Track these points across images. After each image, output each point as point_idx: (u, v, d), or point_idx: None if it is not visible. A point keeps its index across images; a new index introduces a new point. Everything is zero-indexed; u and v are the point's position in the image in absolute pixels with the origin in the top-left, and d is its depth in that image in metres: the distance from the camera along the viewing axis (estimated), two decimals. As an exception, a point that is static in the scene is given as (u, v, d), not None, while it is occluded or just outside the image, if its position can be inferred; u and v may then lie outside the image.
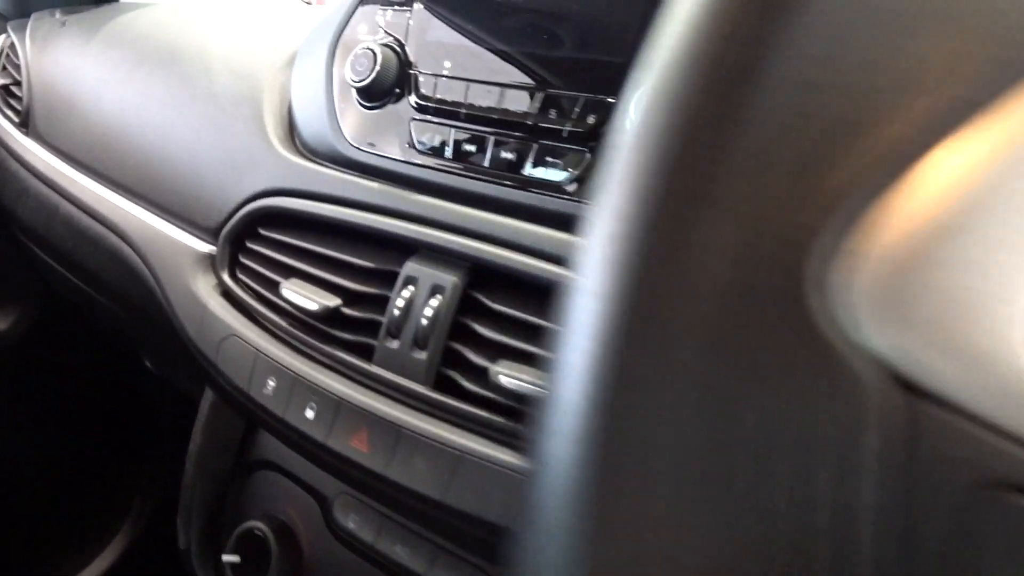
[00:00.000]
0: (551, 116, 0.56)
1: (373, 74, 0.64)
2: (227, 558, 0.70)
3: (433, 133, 0.62)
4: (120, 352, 1.36)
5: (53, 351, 1.37)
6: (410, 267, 0.59)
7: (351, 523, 0.67)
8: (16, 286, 1.31)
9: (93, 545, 1.42)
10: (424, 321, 0.57)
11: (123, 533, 1.44)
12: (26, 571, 1.35)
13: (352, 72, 0.65)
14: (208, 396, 0.76)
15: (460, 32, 0.62)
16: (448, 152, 0.61)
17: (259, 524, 0.70)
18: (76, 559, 1.40)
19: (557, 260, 0.54)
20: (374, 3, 0.69)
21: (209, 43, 0.90)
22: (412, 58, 0.64)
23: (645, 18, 0.54)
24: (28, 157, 1.02)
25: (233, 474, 0.76)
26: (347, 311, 0.62)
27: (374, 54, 0.64)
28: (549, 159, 0.56)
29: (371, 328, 0.61)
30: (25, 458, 1.37)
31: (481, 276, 0.58)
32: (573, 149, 0.55)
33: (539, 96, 0.57)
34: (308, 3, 1.48)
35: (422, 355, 0.57)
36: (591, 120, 0.54)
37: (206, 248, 0.75)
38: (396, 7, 0.67)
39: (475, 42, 0.61)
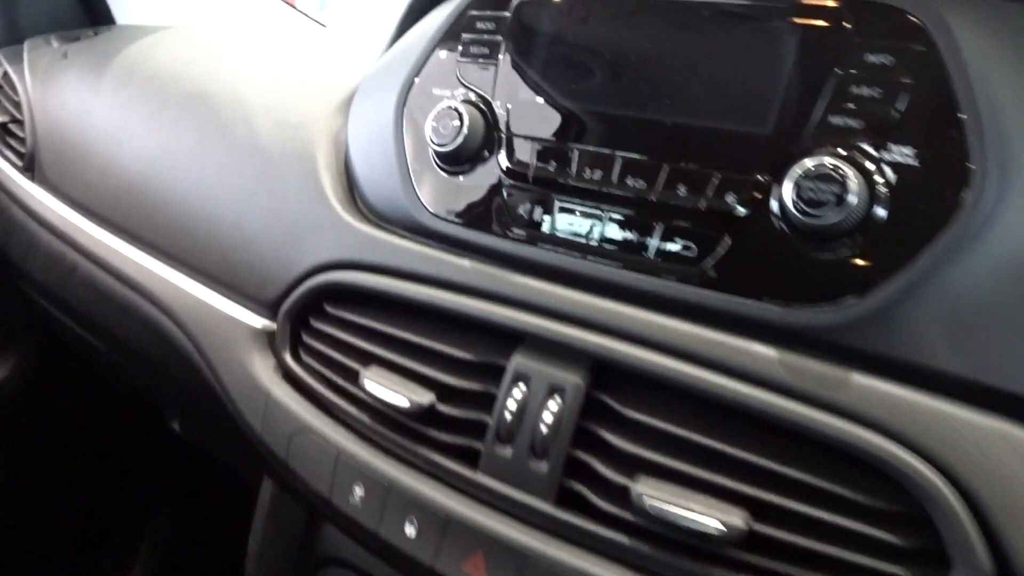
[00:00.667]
0: (680, 192, 0.50)
1: (461, 138, 0.57)
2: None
3: (533, 204, 0.55)
4: (128, 405, 1.28)
5: (56, 400, 1.29)
6: (519, 362, 0.53)
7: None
8: (14, 332, 1.23)
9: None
10: (543, 426, 0.51)
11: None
12: None
13: (435, 135, 0.58)
14: (268, 487, 0.69)
15: (555, 90, 0.56)
16: (552, 227, 0.54)
17: (335, 631, 0.64)
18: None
19: (694, 359, 0.48)
20: (450, 50, 0.62)
21: (241, 82, 0.82)
22: (501, 117, 0.58)
23: (790, 84, 0.47)
24: (37, 207, 0.94)
25: (297, 571, 0.70)
26: (444, 409, 0.55)
27: (459, 115, 0.57)
28: (679, 241, 0.50)
29: (473, 429, 0.54)
30: (24, 512, 1.29)
31: (605, 375, 0.51)
32: (708, 232, 0.48)
33: (665, 169, 0.50)
34: (323, 25, 1.40)
35: (542, 465, 0.51)
36: (730, 199, 0.48)
37: (261, 323, 0.68)
38: (479, 59, 0.60)
39: (575, 101, 0.55)
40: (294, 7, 1.61)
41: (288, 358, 0.65)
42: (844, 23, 0.46)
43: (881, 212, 0.44)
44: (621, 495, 0.48)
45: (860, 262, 0.44)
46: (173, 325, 0.74)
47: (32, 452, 1.30)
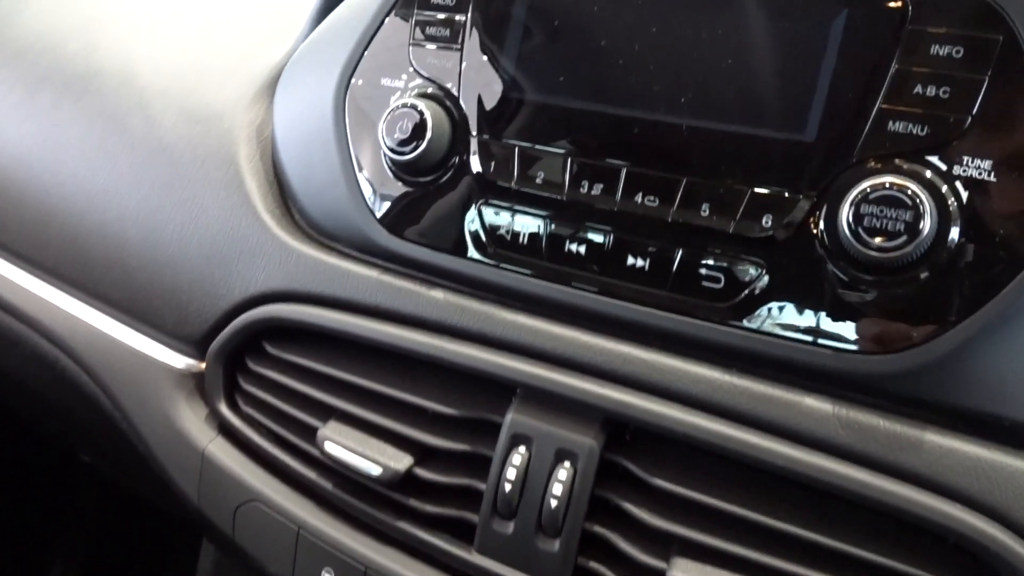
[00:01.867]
0: (703, 212, 0.41)
1: (424, 143, 0.46)
2: None
3: (516, 222, 0.46)
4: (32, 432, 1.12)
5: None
6: (517, 420, 0.44)
7: None
8: None
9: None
10: (552, 499, 0.42)
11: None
12: None
13: (390, 140, 0.47)
14: (209, 552, 0.59)
15: (539, 82, 0.46)
16: (544, 252, 0.45)
17: None
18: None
19: (729, 415, 0.41)
20: (399, 27, 0.50)
21: (133, 59, 0.68)
22: (470, 116, 0.47)
23: (836, 80, 0.39)
24: None
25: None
26: (425, 475, 0.46)
27: (420, 115, 0.46)
28: (703, 270, 0.41)
29: (464, 498, 0.46)
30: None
31: (620, 430, 0.43)
32: (739, 260, 0.40)
33: (683, 183, 0.42)
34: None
35: (552, 544, 0.43)
36: (765, 221, 0.40)
37: (184, 363, 0.57)
38: (438, 41, 0.49)
39: (566, 97, 0.45)
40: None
41: (223, 407, 0.54)
42: (901, 5, 0.38)
43: (955, 238, 0.36)
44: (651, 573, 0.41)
45: (931, 298, 0.37)
46: (73, 364, 0.61)
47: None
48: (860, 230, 0.36)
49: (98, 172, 0.62)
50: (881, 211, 0.36)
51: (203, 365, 0.56)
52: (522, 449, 0.44)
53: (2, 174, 0.68)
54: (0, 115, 0.70)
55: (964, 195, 0.36)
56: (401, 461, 0.46)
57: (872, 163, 0.38)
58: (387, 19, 0.51)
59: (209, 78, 0.63)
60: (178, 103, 0.62)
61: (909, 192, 0.36)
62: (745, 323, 0.40)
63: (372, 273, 0.50)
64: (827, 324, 0.39)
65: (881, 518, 0.38)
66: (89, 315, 0.61)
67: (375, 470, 0.46)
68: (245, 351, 0.54)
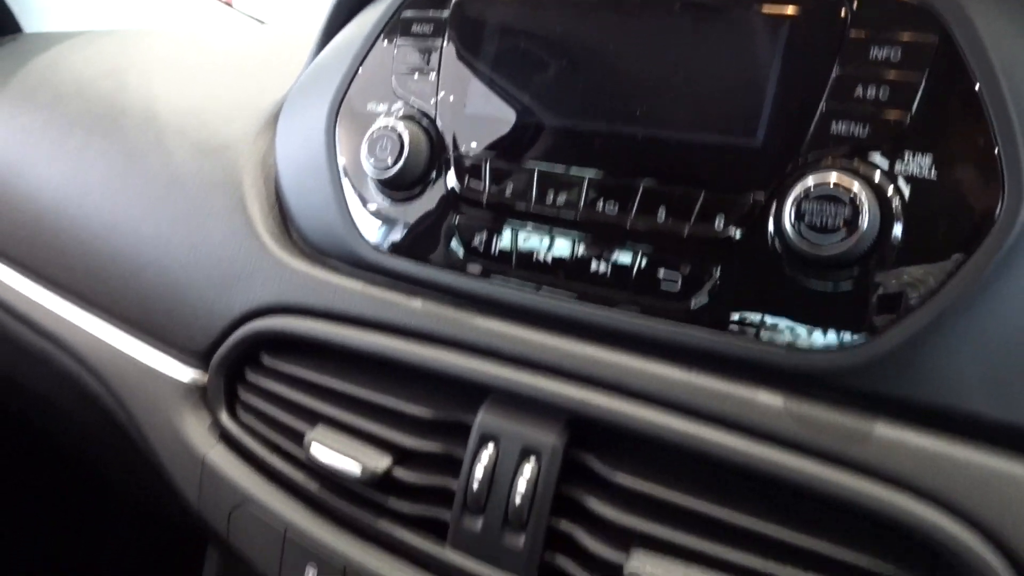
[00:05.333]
0: (659, 217, 0.43)
1: (401, 162, 0.49)
2: None
3: (489, 234, 0.48)
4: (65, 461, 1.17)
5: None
6: (486, 420, 0.46)
7: None
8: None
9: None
10: (518, 495, 0.44)
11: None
12: None
13: (371, 159, 0.50)
14: (214, 557, 0.61)
15: (506, 100, 0.48)
16: (513, 260, 0.47)
17: None
18: None
19: (686, 410, 0.42)
20: (384, 57, 0.54)
21: (155, 99, 0.73)
22: (446, 134, 0.50)
23: (781, 87, 0.41)
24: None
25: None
26: (402, 475, 0.48)
27: (397, 135, 0.49)
28: (661, 272, 0.43)
29: (437, 497, 0.47)
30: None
31: (584, 430, 0.45)
32: (695, 262, 0.42)
33: (640, 190, 0.43)
34: (262, 22, 1.30)
35: (518, 539, 0.44)
36: (718, 223, 0.41)
37: (191, 376, 0.60)
38: (416, 68, 0.52)
39: (530, 113, 0.47)
40: (231, 5, 1.49)
41: (224, 416, 0.57)
42: (841, 13, 0.40)
43: (898, 235, 0.37)
44: (612, 571, 0.41)
45: (876, 294, 0.38)
46: (94, 380, 0.65)
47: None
48: (802, 227, 0.38)
49: (118, 203, 0.67)
50: (821, 208, 0.37)
51: (207, 377, 0.59)
52: (490, 448, 0.45)
53: (36, 207, 0.73)
54: (36, 154, 0.76)
55: (907, 192, 0.38)
56: (380, 462, 0.48)
57: (816, 163, 0.39)
58: (373, 47, 0.54)
59: (221, 115, 0.68)
60: (192, 138, 0.66)
61: (848, 189, 0.37)
62: (701, 322, 0.42)
63: (357, 285, 0.52)
64: (778, 321, 0.40)
65: (836, 512, 0.38)
66: (107, 333, 0.65)
67: (356, 471, 0.48)
68: (245, 363, 0.57)
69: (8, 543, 1.17)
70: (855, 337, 0.38)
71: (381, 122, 0.50)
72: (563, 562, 0.43)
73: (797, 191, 0.38)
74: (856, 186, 0.37)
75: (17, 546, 1.17)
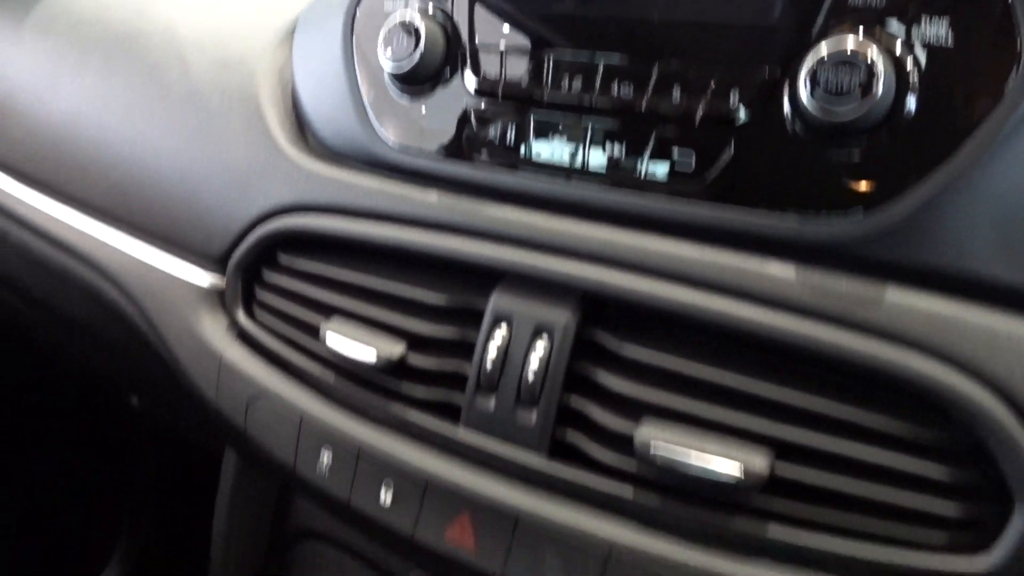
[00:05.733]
0: (674, 97, 0.43)
1: (417, 56, 0.50)
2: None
3: (505, 124, 0.48)
4: (92, 389, 1.20)
5: (14, 391, 1.20)
6: (499, 302, 0.47)
7: (432, 607, 0.55)
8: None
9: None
10: (531, 372, 0.45)
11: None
12: None
13: (387, 54, 0.51)
14: (231, 459, 0.63)
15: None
16: (529, 149, 0.47)
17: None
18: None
19: (698, 283, 0.42)
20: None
21: (174, 20, 0.74)
22: (462, 27, 0.51)
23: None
24: (-40, 172, 0.85)
25: (271, 548, 0.64)
26: (416, 360, 0.49)
27: (414, 29, 0.50)
28: (676, 152, 0.43)
29: (450, 382, 0.48)
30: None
31: (597, 311, 0.45)
32: (710, 139, 0.42)
33: (653, 69, 0.44)
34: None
35: (530, 415, 0.45)
36: (732, 100, 0.42)
37: (209, 280, 0.61)
38: (434, -36, 0.52)
39: (545, 3, 0.48)
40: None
41: (241, 315, 0.58)
42: None
43: (912, 102, 0.38)
44: (622, 443, 0.42)
45: (890, 161, 0.38)
46: (114, 290, 0.67)
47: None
48: (817, 93, 0.38)
49: (138, 118, 0.68)
50: (837, 73, 0.38)
51: (225, 280, 0.60)
52: (503, 328, 0.46)
53: (57, 128, 0.74)
54: (57, 78, 0.77)
55: (922, 58, 0.38)
56: (395, 348, 0.49)
57: (832, 34, 0.39)
58: None
59: (239, 32, 0.69)
60: (210, 54, 0.67)
61: (863, 55, 0.37)
62: (715, 199, 0.42)
63: (373, 182, 0.53)
64: (792, 192, 0.40)
65: (846, 377, 0.39)
66: (128, 245, 0.66)
67: (371, 357, 0.49)
68: (262, 264, 0.58)
69: (28, 466, 1.20)
70: (867, 206, 0.38)
71: (397, 16, 0.51)
72: (574, 437, 0.44)
73: (812, 60, 0.38)
74: (871, 51, 0.37)
75: (37, 469, 1.20)
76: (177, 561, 1.34)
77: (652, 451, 0.40)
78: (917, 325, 0.37)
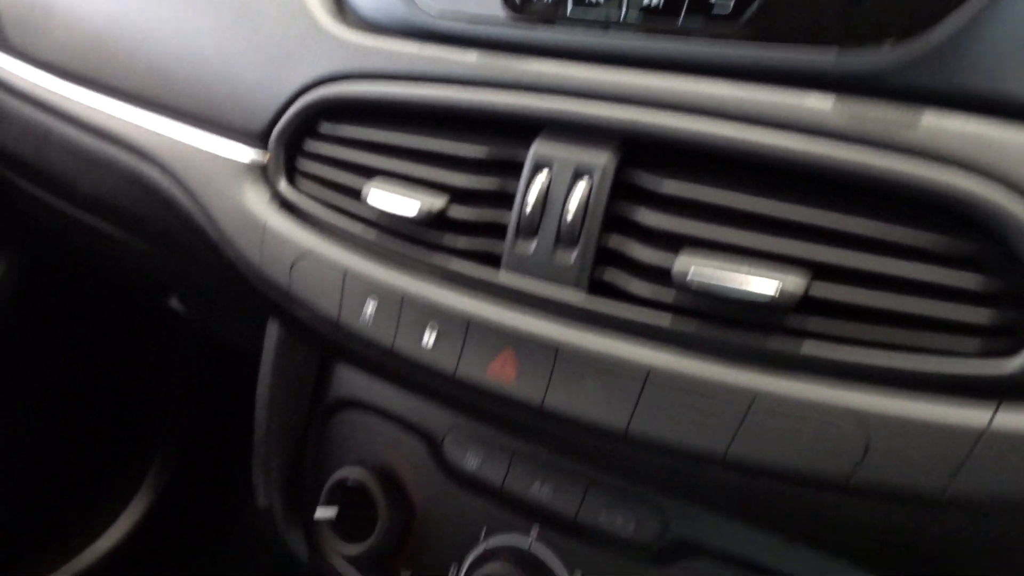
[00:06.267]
0: None
1: None
2: (322, 513, 0.61)
3: (542, -21, 0.49)
4: (131, 302, 1.23)
5: (50, 303, 1.24)
6: (539, 149, 0.48)
7: (471, 462, 0.57)
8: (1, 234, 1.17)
9: (108, 511, 1.32)
10: (570, 213, 0.46)
11: (140, 497, 1.34)
12: (36, 543, 1.25)
13: None
14: (273, 333, 0.65)
15: None
16: (566, 4, 0.48)
17: (356, 471, 0.61)
18: (91, 527, 1.31)
19: (736, 117, 0.43)
20: None
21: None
22: None
23: None
24: (4, 76, 0.87)
25: (311, 418, 0.66)
26: (458, 213, 0.50)
27: None
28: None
29: (492, 231, 0.50)
30: (26, 421, 1.25)
31: (635, 154, 0.46)
32: None
33: None
34: None
35: (570, 254, 0.46)
36: None
37: (251, 156, 0.63)
38: None
39: None
40: None
41: (283, 185, 0.60)
42: None
43: None
44: (660, 276, 0.43)
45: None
46: (159, 173, 0.68)
47: (29, 361, 1.26)
48: None
49: (178, 4, 0.69)
50: None
51: (267, 155, 0.62)
52: (543, 173, 0.47)
53: (101, 24, 0.76)
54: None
55: None
56: (436, 201, 0.50)
57: None
58: None
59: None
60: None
61: None
62: (755, 38, 0.43)
63: (413, 47, 0.54)
64: (829, 25, 0.41)
65: (883, 199, 0.40)
66: (171, 128, 0.68)
67: (412, 211, 0.51)
68: (303, 134, 0.60)
69: (62, 382, 1.24)
70: (904, 35, 0.39)
71: None
72: (612, 275, 0.46)
73: None
74: None
75: (71, 384, 1.24)
76: (210, 480, 1.39)
77: (690, 277, 0.41)
78: (954, 143, 0.38)
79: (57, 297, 1.24)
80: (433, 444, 0.60)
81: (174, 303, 0.97)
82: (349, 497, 0.60)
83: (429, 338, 0.50)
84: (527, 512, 0.55)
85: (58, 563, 1.27)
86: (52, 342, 1.28)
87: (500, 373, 0.47)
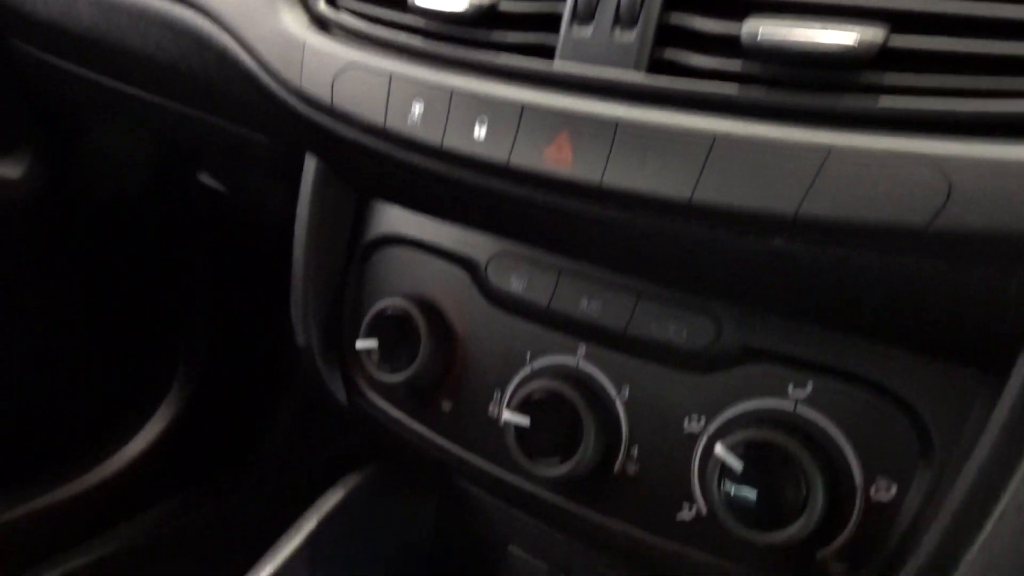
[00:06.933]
0: None
1: None
2: (362, 344, 0.60)
3: None
4: (155, 204, 1.22)
5: (74, 205, 1.23)
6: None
7: (516, 284, 0.56)
8: (23, 128, 1.16)
9: (137, 417, 1.33)
10: (628, -9, 0.44)
11: (168, 402, 1.35)
12: (65, 448, 1.26)
13: None
14: (311, 169, 0.63)
15: None
16: None
17: (396, 301, 0.60)
18: (120, 433, 1.31)
19: None
20: None
21: None
22: None
23: None
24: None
25: (351, 255, 0.65)
26: (508, 7, 0.49)
27: None
28: None
29: (546, 22, 0.48)
30: (51, 325, 1.25)
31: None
32: None
33: None
34: None
35: (629, 35, 0.44)
36: None
37: (287, -19, 0.61)
38: None
39: None
40: None
41: (322, 5, 0.58)
42: None
43: None
44: (726, 46, 0.42)
45: None
46: (190, 11, 0.67)
47: (52, 264, 1.25)
48: None
49: None
50: None
51: (304, -22, 0.60)
52: (600, -43, 0.45)
53: None
54: None
55: None
56: (484, -5, 0.49)
57: None
58: None
59: None
60: None
61: None
62: None
63: None
64: None
65: None
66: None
67: (463, 5, 0.49)
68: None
69: (89, 283, 1.24)
70: None
71: None
72: (674, 54, 0.44)
73: None
74: None
75: (97, 285, 1.24)
76: (239, 387, 1.39)
77: (760, 38, 0.40)
78: None
79: (81, 199, 1.24)
80: (475, 271, 0.59)
81: (205, 178, 0.96)
82: (390, 327, 0.59)
83: (480, 130, 0.48)
84: (573, 331, 0.54)
85: (87, 467, 1.28)
86: (77, 245, 1.27)
87: (556, 157, 0.45)
